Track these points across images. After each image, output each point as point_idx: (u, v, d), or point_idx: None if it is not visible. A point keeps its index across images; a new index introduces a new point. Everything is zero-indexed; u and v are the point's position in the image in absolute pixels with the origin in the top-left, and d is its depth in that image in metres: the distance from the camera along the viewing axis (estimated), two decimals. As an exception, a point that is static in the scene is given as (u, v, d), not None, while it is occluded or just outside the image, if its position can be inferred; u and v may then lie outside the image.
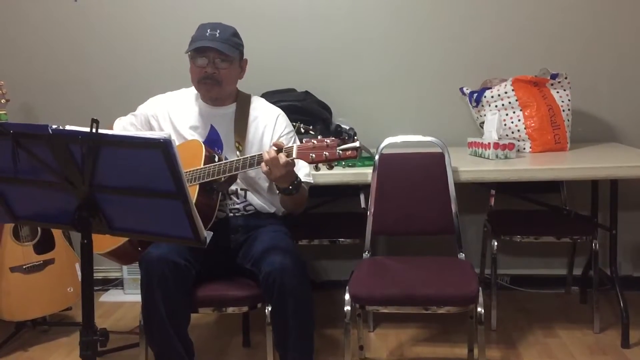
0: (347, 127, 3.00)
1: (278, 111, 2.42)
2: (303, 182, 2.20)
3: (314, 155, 1.89)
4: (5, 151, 1.50)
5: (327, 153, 1.87)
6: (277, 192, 2.21)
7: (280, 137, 2.34)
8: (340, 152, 1.86)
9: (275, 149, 1.97)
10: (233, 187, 2.30)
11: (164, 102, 2.43)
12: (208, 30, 2.24)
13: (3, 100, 2.91)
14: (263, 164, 1.98)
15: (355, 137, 1.88)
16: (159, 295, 2.06)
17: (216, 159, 2.18)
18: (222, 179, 2.11)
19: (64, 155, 1.47)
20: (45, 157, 1.49)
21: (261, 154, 2.02)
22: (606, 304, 2.98)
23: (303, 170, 2.21)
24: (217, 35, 2.23)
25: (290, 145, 1.98)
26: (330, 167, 1.92)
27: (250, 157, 2.06)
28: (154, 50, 3.28)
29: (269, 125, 2.35)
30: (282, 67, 3.22)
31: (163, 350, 2.14)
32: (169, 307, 2.08)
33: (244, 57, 2.36)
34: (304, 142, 1.94)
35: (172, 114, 2.38)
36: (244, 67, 2.37)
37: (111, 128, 2.42)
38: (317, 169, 1.95)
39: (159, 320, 2.08)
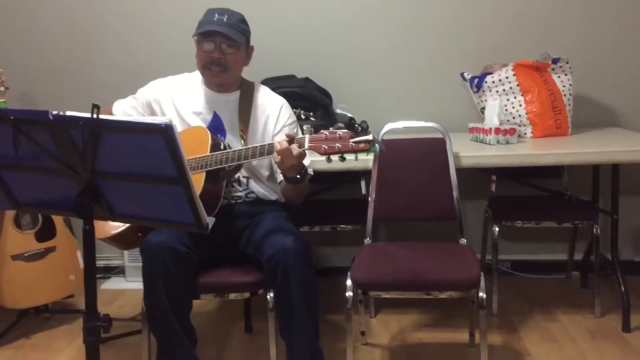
0: (356, 119, 2.99)
1: (282, 101, 2.41)
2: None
3: (326, 147, 1.90)
4: (6, 137, 1.49)
5: (339, 145, 1.88)
6: (279, 181, 2.21)
7: (283, 127, 2.34)
8: (353, 144, 1.87)
9: (287, 139, 1.97)
10: (236, 175, 2.30)
11: (166, 86, 2.41)
12: (216, 15, 2.23)
13: (2, 88, 2.90)
14: (275, 153, 1.98)
15: (369, 130, 1.88)
16: (161, 282, 2.07)
17: (221, 147, 2.18)
18: (229, 167, 2.11)
19: (65, 141, 1.46)
20: (46, 143, 1.48)
21: (271, 144, 2.02)
22: (607, 288, 2.98)
23: (305, 161, 2.20)
24: (225, 20, 2.22)
25: (300, 136, 1.98)
26: (342, 159, 1.92)
27: (260, 146, 2.05)
28: (157, 37, 3.26)
29: (272, 115, 2.35)
30: (282, 53, 3.20)
31: (165, 337, 2.15)
32: (170, 295, 2.08)
33: (250, 45, 2.35)
34: (305, 130, 1.95)
35: (176, 99, 2.37)
36: (249, 55, 2.36)
37: (110, 112, 2.41)
38: (329, 160, 1.95)
39: (161, 307, 2.09)
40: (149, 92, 2.42)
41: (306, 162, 2.21)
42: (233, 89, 2.37)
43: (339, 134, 1.89)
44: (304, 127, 1.99)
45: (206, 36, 2.23)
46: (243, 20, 2.30)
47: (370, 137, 1.86)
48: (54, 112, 1.45)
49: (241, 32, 2.26)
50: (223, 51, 2.24)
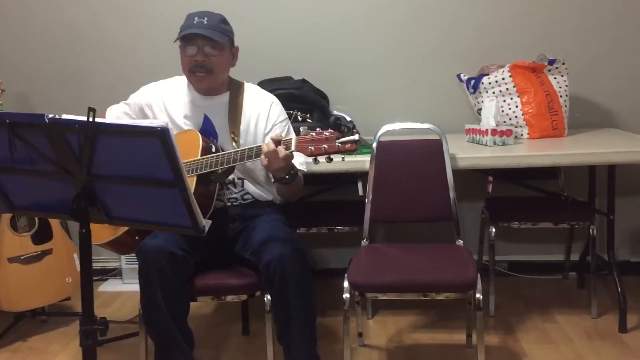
0: (347, 119, 3.00)
1: (271, 99, 2.40)
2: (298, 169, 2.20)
3: (312, 148, 1.89)
4: (2, 141, 1.50)
5: (325, 146, 1.87)
6: (274, 181, 2.21)
7: (274, 125, 2.33)
8: (339, 145, 1.86)
9: (274, 141, 1.96)
10: (230, 177, 2.30)
11: (158, 90, 2.41)
12: (195, 19, 2.22)
13: (-2, 91, 2.89)
14: (262, 156, 1.98)
15: (355, 130, 1.88)
16: (157, 286, 2.06)
17: (213, 150, 2.18)
18: (220, 170, 2.11)
19: (61, 144, 1.46)
20: (42, 146, 1.48)
21: (260, 146, 2.02)
22: (603, 289, 2.99)
23: (298, 159, 2.20)
24: (205, 22, 2.21)
25: (288, 137, 1.98)
26: (330, 160, 1.92)
27: (249, 149, 2.05)
28: (154, 40, 3.25)
29: (262, 114, 2.34)
30: (278, 55, 3.21)
31: (163, 341, 2.14)
32: (167, 298, 2.08)
33: (235, 45, 2.33)
34: (302, 132, 1.94)
35: (167, 103, 2.36)
36: (235, 54, 2.35)
37: (103, 117, 2.40)
38: (316, 161, 1.95)
39: (157, 311, 2.08)
40: (141, 97, 2.41)
41: (299, 161, 2.20)
42: (222, 91, 2.35)
43: (325, 134, 1.88)
44: (301, 129, 1.99)
45: (188, 40, 2.22)
46: (224, 21, 2.28)
47: (356, 137, 1.85)
48: (50, 116, 1.45)
49: (223, 33, 2.24)
50: (206, 54, 2.22)
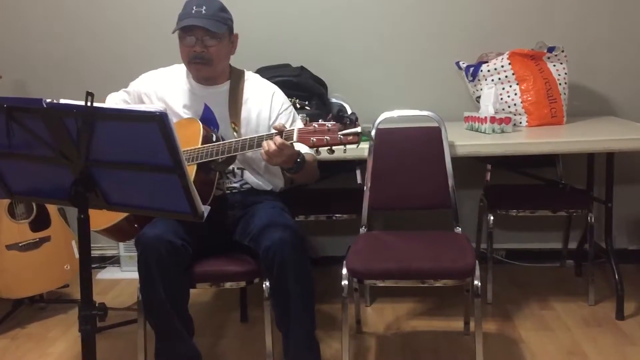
0: (347, 108, 3.01)
1: (273, 88, 2.38)
2: (307, 153, 2.17)
3: (314, 140, 1.89)
4: (-1, 126, 1.49)
5: (328, 137, 1.87)
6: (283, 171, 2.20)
7: (278, 115, 2.31)
8: (342, 136, 1.86)
9: (276, 132, 1.96)
10: (229, 167, 2.29)
11: (156, 79, 2.39)
12: (194, 8, 2.18)
13: (-5, 77, 2.88)
14: (262, 152, 1.97)
15: (357, 122, 1.88)
16: (157, 276, 2.06)
17: (214, 139, 2.17)
18: (220, 159, 2.10)
19: (58, 129, 1.46)
20: (39, 131, 1.47)
21: (261, 136, 2.01)
22: (601, 277, 3.00)
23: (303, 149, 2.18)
24: (203, 11, 2.17)
25: (293, 125, 1.97)
26: (331, 152, 1.91)
27: (250, 138, 2.04)
28: (151, 25, 3.23)
29: (265, 104, 2.32)
30: (277, 42, 3.19)
31: (163, 329, 2.14)
32: (167, 288, 2.07)
33: (234, 32, 2.31)
34: (300, 119, 1.93)
35: (165, 93, 2.35)
36: (234, 42, 2.32)
37: (103, 103, 2.39)
38: (317, 153, 1.94)
39: (158, 300, 2.08)
40: (140, 86, 2.39)
41: (305, 149, 2.18)
42: (222, 81, 2.33)
43: (327, 126, 1.88)
44: (299, 117, 1.99)
45: (186, 31, 2.19)
46: (223, 9, 2.25)
47: (358, 129, 1.85)
48: (48, 100, 1.44)
49: (222, 22, 2.21)
50: (205, 43, 2.19)
